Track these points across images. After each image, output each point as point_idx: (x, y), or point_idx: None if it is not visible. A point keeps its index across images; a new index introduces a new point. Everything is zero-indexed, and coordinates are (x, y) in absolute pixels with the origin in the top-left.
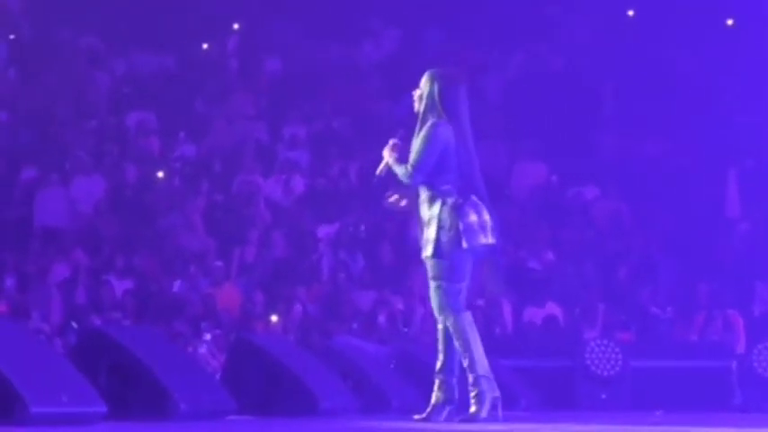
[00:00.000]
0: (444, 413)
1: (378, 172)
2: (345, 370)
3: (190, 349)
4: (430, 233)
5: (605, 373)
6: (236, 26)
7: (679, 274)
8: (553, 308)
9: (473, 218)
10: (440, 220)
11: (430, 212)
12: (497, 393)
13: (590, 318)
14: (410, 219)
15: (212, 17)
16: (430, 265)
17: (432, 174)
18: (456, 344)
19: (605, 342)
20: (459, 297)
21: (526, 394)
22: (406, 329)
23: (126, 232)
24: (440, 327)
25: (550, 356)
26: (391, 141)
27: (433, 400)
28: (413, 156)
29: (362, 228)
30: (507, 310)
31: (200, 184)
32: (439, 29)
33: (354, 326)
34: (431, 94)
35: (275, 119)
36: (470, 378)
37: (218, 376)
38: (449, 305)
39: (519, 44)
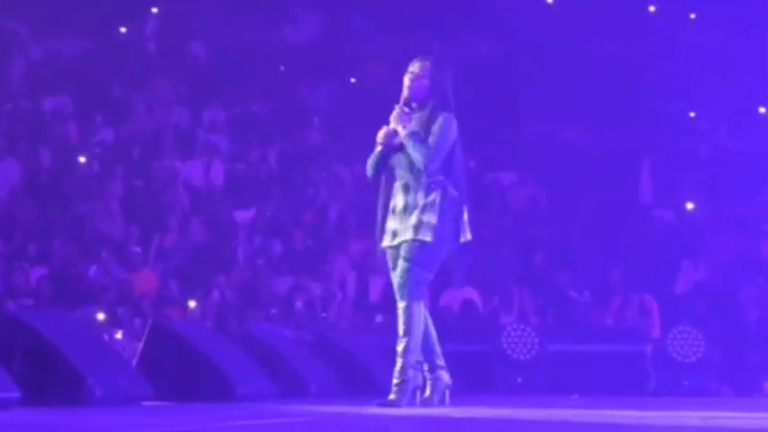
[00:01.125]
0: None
1: (380, 140)
2: (263, 355)
3: (106, 335)
4: (429, 218)
5: (522, 357)
6: (154, 10)
7: (595, 259)
8: (470, 292)
9: (466, 213)
10: (442, 209)
11: (426, 200)
12: (420, 382)
13: (507, 302)
14: (329, 204)
15: (131, 1)
16: (410, 247)
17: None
18: (401, 327)
19: (522, 326)
20: (423, 286)
21: None
22: (324, 315)
23: (42, 218)
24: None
25: (467, 341)
26: (398, 108)
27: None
28: (433, 142)
29: (282, 213)
30: (427, 294)
31: (119, 170)
32: (361, 14)
33: (272, 312)
34: (443, 83)
35: (195, 103)
36: (399, 363)
37: (134, 362)
38: (410, 290)
39: (442, 31)
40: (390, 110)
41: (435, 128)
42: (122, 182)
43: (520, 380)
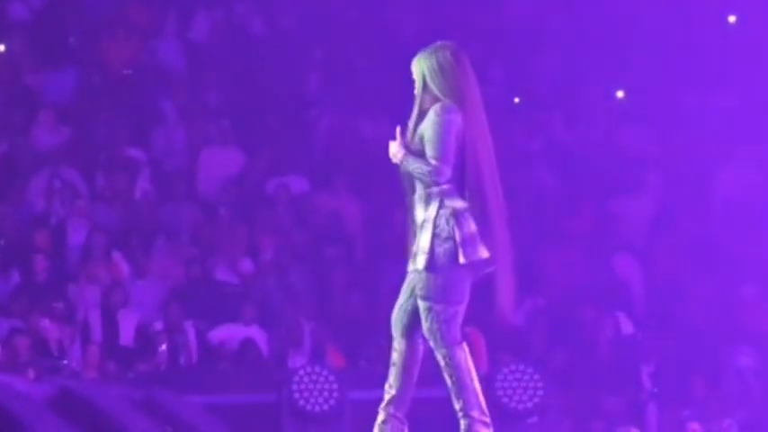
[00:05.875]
0: None
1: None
2: None
3: None
4: (423, 241)
5: (317, 409)
6: None
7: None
8: (251, 330)
9: (473, 227)
10: (435, 226)
11: (426, 214)
12: None
13: (297, 340)
14: (67, 223)
15: None
16: (420, 281)
17: None
18: (448, 381)
19: (317, 370)
20: (455, 323)
21: None
22: (65, 362)
23: None
24: (397, 348)
25: (250, 390)
26: (399, 129)
27: None
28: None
29: (6, 234)
30: (192, 333)
31: None
32: None
33: None
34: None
35: None
36: (464, 423)
37: None
38: (442, 333)
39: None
40: (141, 100)
41: (426, 129)
42: None
43: None
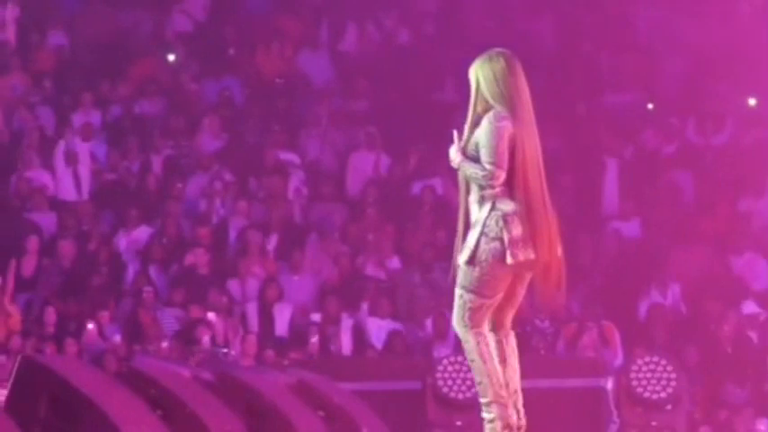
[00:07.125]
0: None
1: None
2: (153, 397)
3: None
4: (471, 238)
5: (460, 396)
6: None
7: None
8: (398, 322)
9: (520, 229)
10: (485, 226)
11: (478, 215)
12: (522, 422)
13: (441, 332)
14: (228, 221)
15: None
16: (461, 272)
17: None
18: (470, 363)
19: (460, 359)
20: (481, 313)
21: (370, 422)
22: (225, 350)
23: None
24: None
25: (397, 378)
26: (456, 134)
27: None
28: (483, 154)
29: (172, 232)
30: (347, 326)
31: None
32: None
33: (164, 345)
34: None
35: (62, 103)
36: (483, 402)
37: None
38: (463, 318)
39: (354, 13)
40: (293, 107)
41: (480, 136)
42: None
43: (459, 423)
